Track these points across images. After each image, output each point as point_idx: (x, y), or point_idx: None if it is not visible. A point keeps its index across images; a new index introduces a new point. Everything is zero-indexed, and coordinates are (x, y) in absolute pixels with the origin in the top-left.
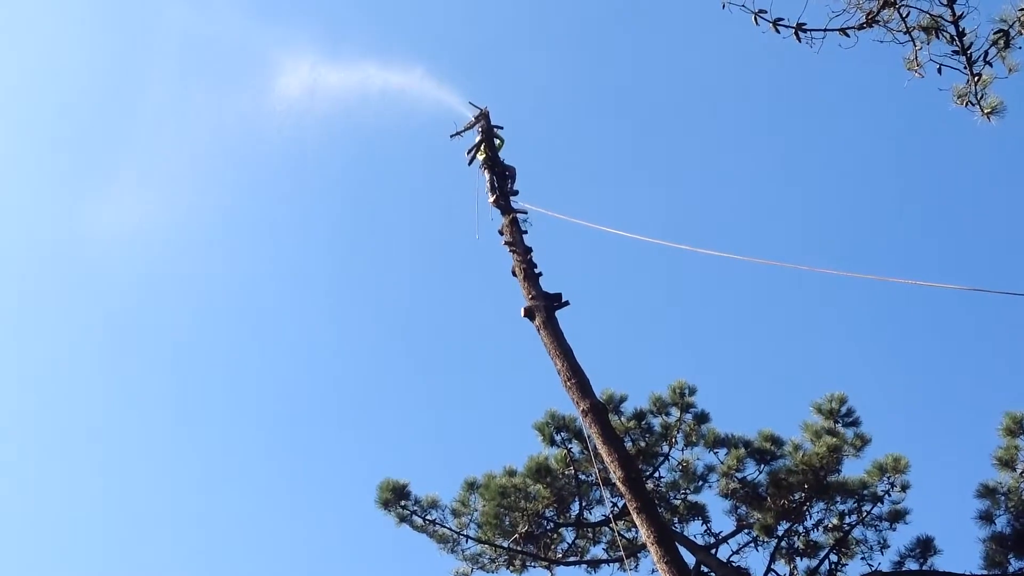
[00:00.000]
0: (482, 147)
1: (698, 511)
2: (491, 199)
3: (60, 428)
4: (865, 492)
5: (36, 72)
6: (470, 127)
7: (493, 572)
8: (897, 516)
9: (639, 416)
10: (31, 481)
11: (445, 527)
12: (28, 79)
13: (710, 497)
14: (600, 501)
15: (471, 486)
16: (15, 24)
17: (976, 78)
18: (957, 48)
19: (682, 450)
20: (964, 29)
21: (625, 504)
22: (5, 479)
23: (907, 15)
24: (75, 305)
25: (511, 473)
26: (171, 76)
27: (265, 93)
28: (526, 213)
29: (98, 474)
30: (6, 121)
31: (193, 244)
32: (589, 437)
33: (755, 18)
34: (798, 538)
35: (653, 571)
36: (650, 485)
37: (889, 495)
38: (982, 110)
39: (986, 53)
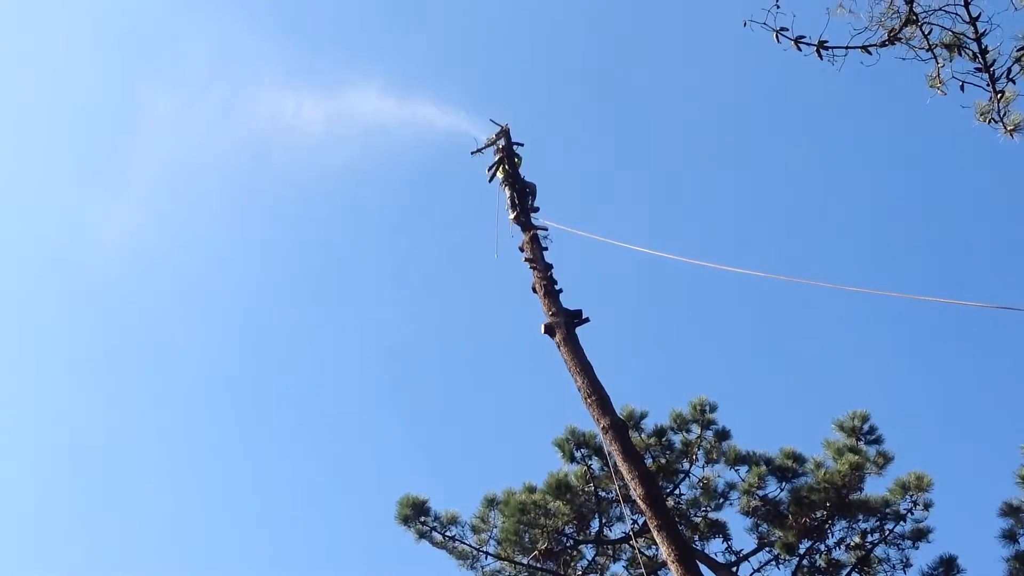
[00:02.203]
0: (503, 164)
1: (719, 529)
2: (511, 216)
3: (55, 435)
4: (888, 510)
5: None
6: (491, 144)
7: None
8: (920, 535)
9: (660, 433)
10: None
11: (465, 543)
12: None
13: (731, 515)
14: (620, 518)
15: (491, 502)
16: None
17: (999, 95)
18: (980, 65)
19: (703, 467)
20: (987, 46)
21: (645, 521)
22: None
23: (929, 32)
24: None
25: (531, 489)
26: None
27: (285, 112)
28: (546, 230)
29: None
30: None
31: (208, 252)
32: (609, 454)
33: (776, 36)
34: (820, 556)
35: None
36: (671, 502)
37: (912, 513)
38: (1005, 127)
39: (1009, 70)
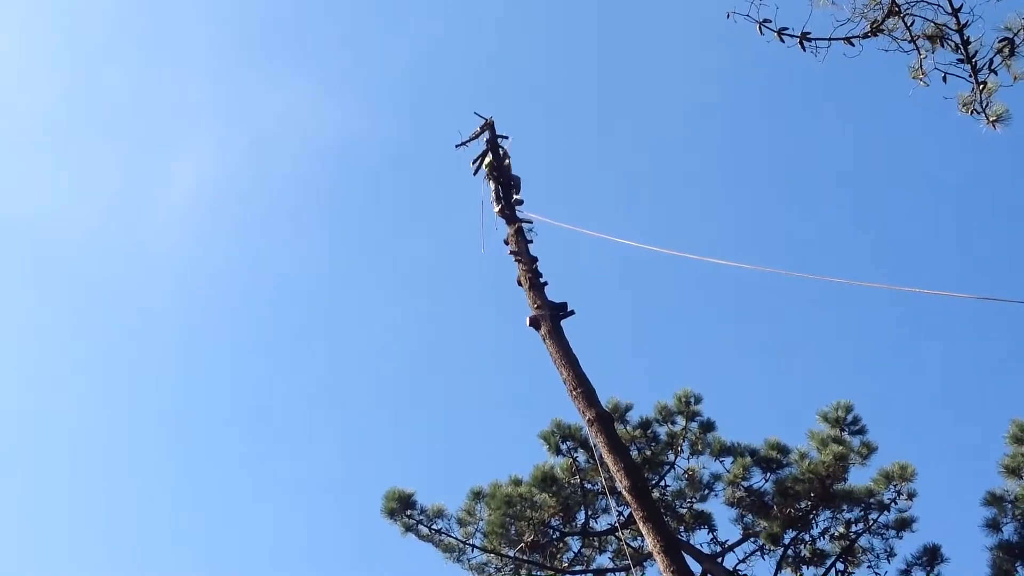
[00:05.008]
0: (487, 157)
1: (704, 520)
2: (496, 209)
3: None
4: (872, 500)
5: None
6: (475, 137)
7: None
8: (904, 524)
9: (645, 425)
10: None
11: (451, 536)
12: None
13: (716, 506)
14: (606, 510)
15: (477, 495)
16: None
17: (981, 86)
18: (962, 56)
19: (688, 459)
20: (969, 37)
21: (631, 513)
22: None
23: (912, 24)
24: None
25: (517, 482)
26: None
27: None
28: (531, 223)
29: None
30: None
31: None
32: (595, 446)
33: (760, 28)
34: (804, 546)
35: None
36: (656, 494)
37: (896, 503)
38: (987, 118)
39: (991, 61)
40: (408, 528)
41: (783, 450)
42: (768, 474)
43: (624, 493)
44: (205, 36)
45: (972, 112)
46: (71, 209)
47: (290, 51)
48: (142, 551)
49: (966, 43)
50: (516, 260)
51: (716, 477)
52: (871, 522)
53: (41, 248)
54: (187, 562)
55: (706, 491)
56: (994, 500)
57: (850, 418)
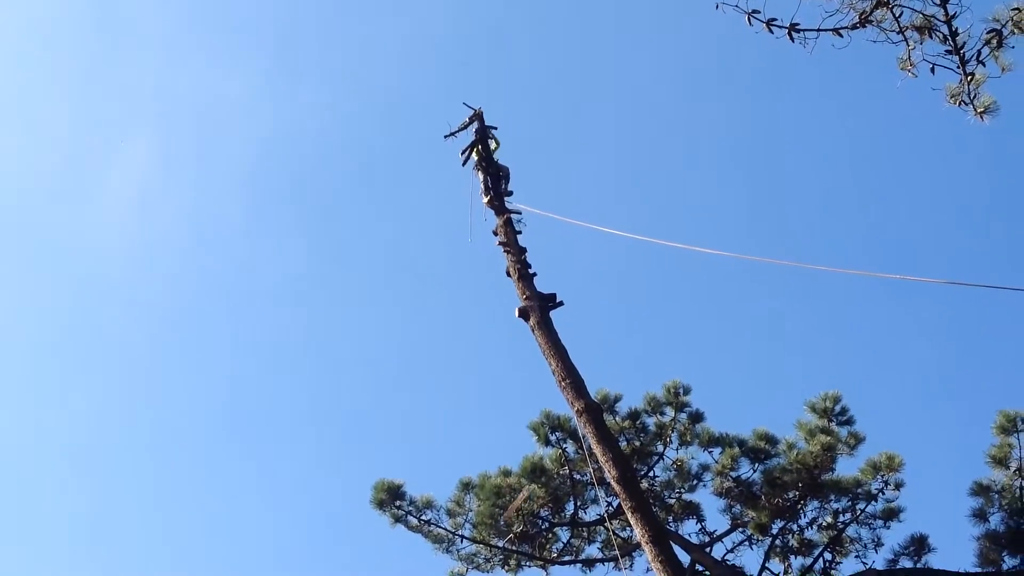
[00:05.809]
0: (476, 148)
1: (692, 510)
2: (485, 200)
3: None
4: (859, 490)
5: None
6: (464, 128)
7: (488, 572)
8: (891, 514)
9: (634, 416)
10: None
11: (440, 527)
12: None
13: (704, 496)
14: (595, 501)
15: (466, 486)
16: None
17: (969, 77)
18: (950, 48)
19: (677, 449)
20: (957, 29)
21: (620, 503)
22: None
23: (900, 15)
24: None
25: (506, 473)
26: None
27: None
28: (520, 214)
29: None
30: None
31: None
32: (584, 437)
33: (748, 18)
34: (792, 536)
35: (648, 570)
36: (645, 484)
37: (883, 493)
38: (975, 109)
39: (979, 52)
40: (397, 519)
41: (771, 440)
42: (756, 464)
43: (613, 484)
44: (157, 21)
45: (960, 103)
46: (15, 196)
47: (247, 38)
48: (126, 546)
49: (954, 34)
50: (505, 251)
51: (704, 467)
52: (859, 512)
53: None
54: (181, 558)
55: (694, 481)
56: (981, 490)
57: (838, 408)
